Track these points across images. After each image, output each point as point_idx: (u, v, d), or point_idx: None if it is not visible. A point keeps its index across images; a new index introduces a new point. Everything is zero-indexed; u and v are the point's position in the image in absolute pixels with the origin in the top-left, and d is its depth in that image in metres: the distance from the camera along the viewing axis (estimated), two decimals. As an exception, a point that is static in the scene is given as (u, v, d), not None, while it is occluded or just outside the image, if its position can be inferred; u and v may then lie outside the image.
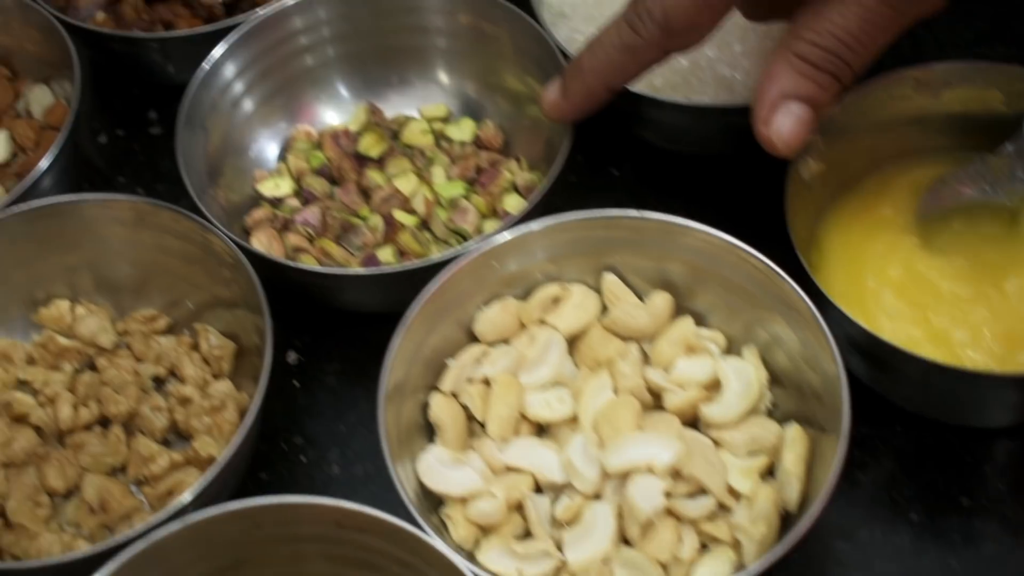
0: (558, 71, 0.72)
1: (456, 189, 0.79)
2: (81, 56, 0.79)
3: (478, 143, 0.81)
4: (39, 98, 0.84)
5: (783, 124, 0.63)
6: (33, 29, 0.82)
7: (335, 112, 0.84)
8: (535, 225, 0.67)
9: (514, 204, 0.77)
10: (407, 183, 0.79)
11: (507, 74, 0.81)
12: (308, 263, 0.74)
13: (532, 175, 0.78)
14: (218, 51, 0.78)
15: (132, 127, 0.87)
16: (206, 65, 0.77)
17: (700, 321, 0.69)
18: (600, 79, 0.69)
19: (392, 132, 0.82)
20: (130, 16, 0.86)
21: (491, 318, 0.68)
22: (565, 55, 0.75)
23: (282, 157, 0.82)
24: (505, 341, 0.68)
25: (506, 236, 0.67)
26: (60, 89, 0.84)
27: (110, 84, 0.88)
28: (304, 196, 0.79)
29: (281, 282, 0.71)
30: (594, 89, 0.70)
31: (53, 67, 0.83)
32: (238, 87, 0.80)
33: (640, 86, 0.74)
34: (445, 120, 0.83)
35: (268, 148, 0.82)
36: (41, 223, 0.72)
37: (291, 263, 0.72)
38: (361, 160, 0.81)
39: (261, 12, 0.79)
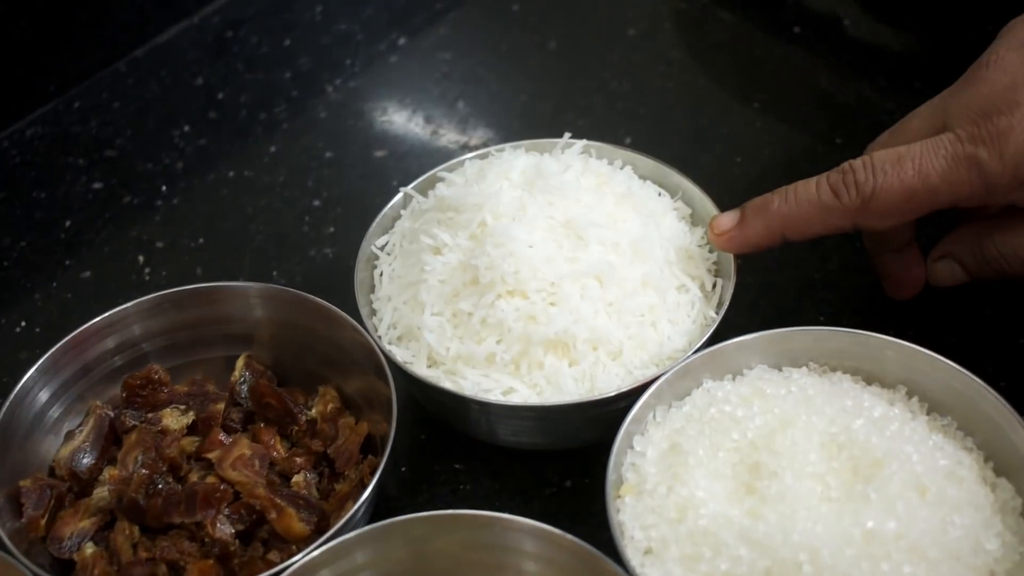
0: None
1: None
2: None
3: None
4: None
5: (941, 273, 0.74)
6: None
7: None
8: None
9: None
10: None
11: None
12: None
13: None
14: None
15: None
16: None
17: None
18: (784, 225, 0.70)
19: None
20: (123, 548, 0.69)
21: None
22: None
23: None
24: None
25: None
26: None
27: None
28: None
29: None
30: (774, 232, 0.71)
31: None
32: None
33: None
34: None
35: None
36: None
37: None
38: None
39: (300, 559, 0.63)
